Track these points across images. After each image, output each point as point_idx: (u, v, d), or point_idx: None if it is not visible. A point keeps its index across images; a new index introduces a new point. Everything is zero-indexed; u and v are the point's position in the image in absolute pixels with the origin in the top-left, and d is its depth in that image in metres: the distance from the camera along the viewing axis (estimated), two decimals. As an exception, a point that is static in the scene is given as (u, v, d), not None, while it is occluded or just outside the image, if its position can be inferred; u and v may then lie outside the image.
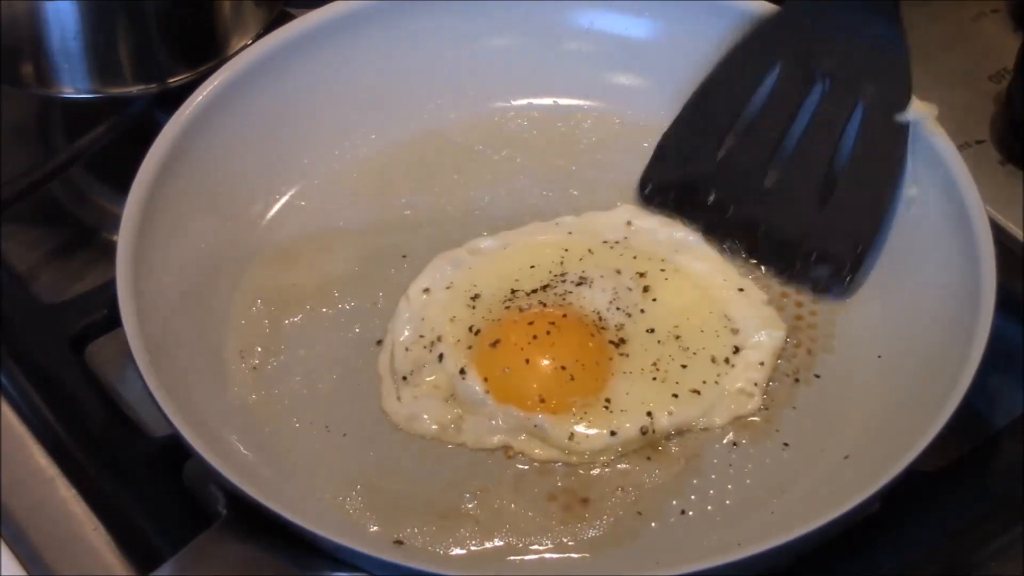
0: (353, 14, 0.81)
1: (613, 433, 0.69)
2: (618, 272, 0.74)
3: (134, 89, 0.84)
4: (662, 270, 0.75)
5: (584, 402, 0.69)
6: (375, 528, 0.67)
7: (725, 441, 0.70)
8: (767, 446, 0.70)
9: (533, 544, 0.66)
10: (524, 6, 0.83)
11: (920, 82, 0.76)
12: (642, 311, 0.73)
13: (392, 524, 0.67)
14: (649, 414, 0.69)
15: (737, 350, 0.72)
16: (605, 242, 0.77)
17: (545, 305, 0.72)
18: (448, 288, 0.74)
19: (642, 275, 0.74)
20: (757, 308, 0.74)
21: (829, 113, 0.76)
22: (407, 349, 0.72)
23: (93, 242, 0.87)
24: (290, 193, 0.80)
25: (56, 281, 0.85)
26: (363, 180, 0.81)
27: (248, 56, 0.79)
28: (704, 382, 0.71)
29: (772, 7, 0.79)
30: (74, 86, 0.83)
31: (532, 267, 0.75)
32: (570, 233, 0.77)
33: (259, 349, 0.73)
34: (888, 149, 0.74)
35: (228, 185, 0.77)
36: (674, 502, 0.68)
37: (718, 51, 0.80)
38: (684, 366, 0.71)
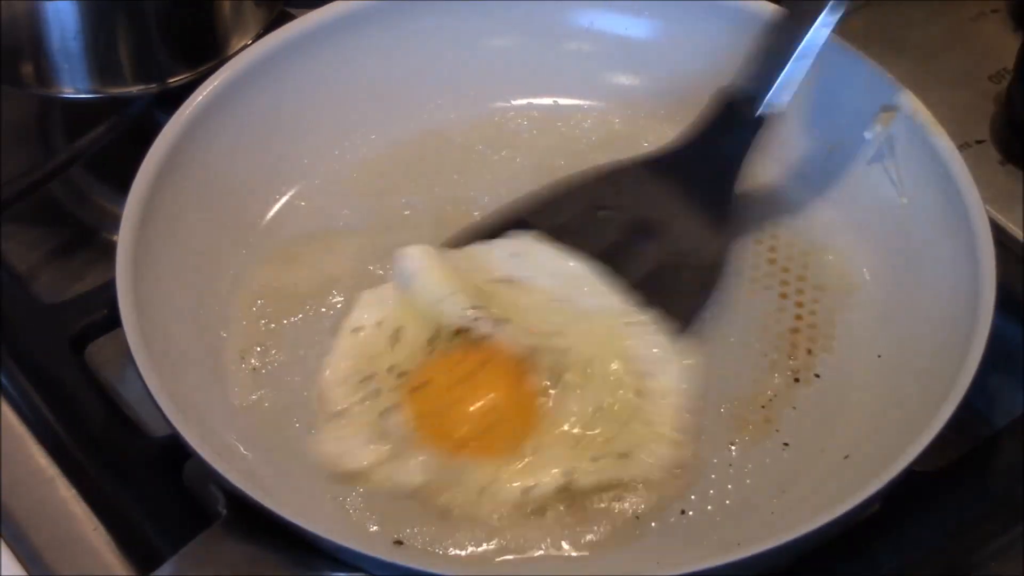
0: (353, 14, 0.81)
1: (529, 488, 0.67)
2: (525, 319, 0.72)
3: (134, 89, 0.84)
4: (563, 315, 0.72)
5: (507, 450, 0.67)
6: (375, 528, 0.67)
7: (724, 441, 0.70)
8: (767, 446, 0.70)
9: (532, 544, 0.66)
10: (524, 6, 0.83)
11: (920, 82, 0.76)
12: (562, 362, 0.70)
13: (392, 524, 0.67)
14: (569, 472, 0.67)
15: (650, 396, 0.70)
16: (496, 280, 0.73)
17: (473, 345, 0.70)
18: (378, 324, 0.72)
19: (548, 322, 0.72)
20: (660, 345, 0.72)
21: (642, 260, 0.75)
22: (339, 387, 0.70)
23: (93, 242, 0.87)
24: (290, 193, 0.80)
25: (56, 281, 0.85)
26: (363, 180, 0.81)
27: (248, 56, 0.79)
28: (629, 442, 0.68)
29: (771, 7, 0.79)
30: (74, 86, 0.83)
31: (444, 305, 0.71)
32: (460, 268, 0.73)
33: (259, 349, 0.73)
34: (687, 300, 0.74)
35: (228, 185, 0.77)
36: (675, 502, 0.68)
37: (716, 51, 0.80)
38: (610, 420, 0.69)
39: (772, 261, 0.78)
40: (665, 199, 0.75)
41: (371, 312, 0.73)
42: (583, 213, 0.75)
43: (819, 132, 0.79)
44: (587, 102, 0.84)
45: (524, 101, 0.85)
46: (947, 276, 0.71)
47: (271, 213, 0.79)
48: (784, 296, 0.76)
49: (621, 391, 0.70)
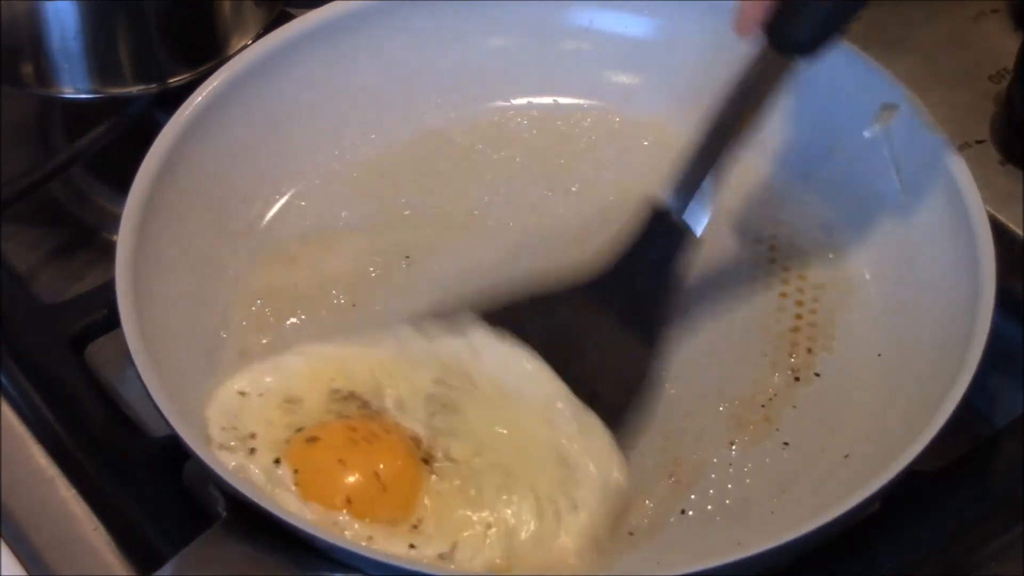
0: (353, 14, 0.81)
1: (411, 547, 0.64)
2: (445, 404, 0.69)
3: (134, 89, 0.84)
4: (496, 402, 0.69)
5: (392, 517, 0.65)
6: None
7: (724, 441, 0.70)
8: (767, 446, 0.70)
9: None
10: (523, 6, 0.83)
11: (920, 82, 0.76)
12: (474, 442, 0.67)
13: (391, 524, 0.67)
14: (454, 547, 0.64)
15: (565, 498, 0.66)
16: (441, 364, 0.70)
17: (369, 418, 0.68)
18: (262, 396, 0.69)
19: (472, 406, 0.69)
20: (596, 452, 0.68)
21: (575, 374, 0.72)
22: (222, 433, 0.67)
23: (93, 242, 0.87)
24: (290, 193, 0.80)
25: (56, 281, 0.85)
26: (363, 180, 0.81)
27: (248, 56, 0.79)
28: (523, 529, 0.65)
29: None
30: (74, 86, 0.83)
31: (356, 383, 0.69)
32: (405, 353, 0.71)
33: (259, 350, 0.73)
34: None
35: (228, 185, 0.77)
36: (675, 503, 0.68)
37: (716, 50, 0.80)
38: (507, 507, 0.65)
39: (772, 261, 0.78)
40: (595, 320, 0.72)
41: (257, 378, 0.69)
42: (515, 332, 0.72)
43: (819, 131, 0.79)
44: (587, 101, 0.85)
45: (524, 100, 0.85)
46: (947, 276, 0.71)
47: (271, 213, 0.79)
48: (784, 296, 0.76)
49: (527, 488, 0.66)
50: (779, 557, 0.62)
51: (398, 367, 0.70)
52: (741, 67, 0.71)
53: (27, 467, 0.70)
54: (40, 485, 0.70)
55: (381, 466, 0.66)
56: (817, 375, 0.73)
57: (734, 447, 0.70)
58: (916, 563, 0.67)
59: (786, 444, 0.70)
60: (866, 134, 0.77)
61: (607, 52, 0.84)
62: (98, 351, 0.75)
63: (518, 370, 0.70)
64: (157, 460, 0.71)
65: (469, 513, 0.65)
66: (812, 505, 0.66)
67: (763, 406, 0.71)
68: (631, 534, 0.67)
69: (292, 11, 0.87)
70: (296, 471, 0.65)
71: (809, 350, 0.74)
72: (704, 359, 0.73)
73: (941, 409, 0.64)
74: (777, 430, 0.71)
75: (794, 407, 0.71)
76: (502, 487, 0.66)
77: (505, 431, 0.68)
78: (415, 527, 0.65)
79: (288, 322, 0.74)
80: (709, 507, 0.68)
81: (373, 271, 0.77)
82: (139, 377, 0.65)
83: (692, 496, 0.68)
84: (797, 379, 0.73)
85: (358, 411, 0.68)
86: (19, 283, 0.83)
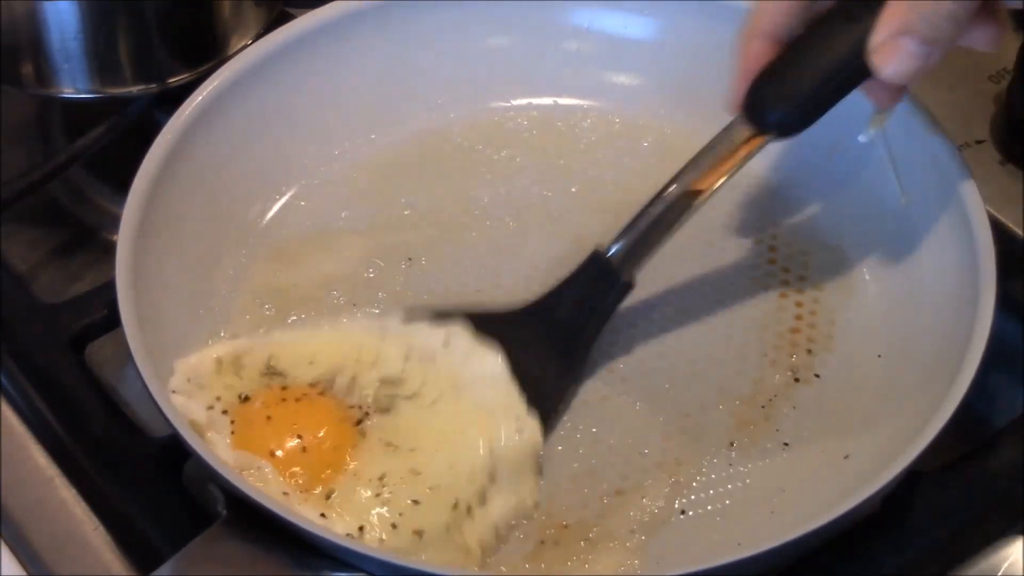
0: (353, 14, 0.81)
1: (322, 516, 0.65)
2: (394, 383, 0.69)
3: (134, 89, 0.84)
4: (441, 394, 0.69)
5: (310, 480, 0.66)
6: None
7: (724, 441, 0.70)
8: (767, 446, 0.70)
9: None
10: (523, 6, 0.83)
11: (920, 82, 0.75)
12: (409, 432, 0.68)
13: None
14: (361, 529, 0.65)
15: (478, 498, 0.66)
16: (409, 356, 0.71)
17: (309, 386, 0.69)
18: (234, 361, 0.70)
19: (417, 394, 0.69)
20: (523, 457, 0.68)
21: None
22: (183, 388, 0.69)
23: (93, 242, 0.87)
24: (290, 193, 0.80)
25: (56, 281, 0.85)
26: (363, 180, 0.81)
27: (248, 56, 0.79)
28: (431, 526, 0.65)
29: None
30: (74, 86, 0.83)
31: (317, 360, 0.71)
32: (382, 339, 0.71)
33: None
34: None
35: (228, 185, 0.78)
36: (675, 503, 0.68)
37: (716, 51, 0.80)
38: (416, 501, 0.66)
39: (772, 261, 0.78)
40: (525, 346, 0.72)
41: (232, 348, 0.71)
42: None
43: (819, 132, 0.78)
44: (587, 102, 0.85)
45: (524, 101, 0.85)
46: (947, 276, 0.71)
47: (271, 213, 0.79)
48: (784, 296, 0.76)
49: (447, 484, 0.66)
50: (779, 557, 0.62)
51: (369, 346, 0.71)
52: (713, 136, 0.70)
53: (27, 467, 0.70)
54: (40, 485, 0.70)
55: (305, 423, 0.67)
56: (817, 375, 0.73)
57: (734, 447, 0.70)
58: (916, 563, 0.67)
59: (786, 444, 0.70)
60: (861, 138, 0.76)
61: (607, 52, 0.84)
62: (98, 351, 0.75)
63: (480, 370, 0.70)
64: (157, 460, 0.71)
65: (381, 510, 0.65)
66: (812, 505, 0.66)
67: (763, 406, 0.71)
68: (632, 533, 0.67)
69: (292, 11, 0.87)
70: (232, 422, 0.67)
71: (809, 350, 0.74)
72: (704, 359, 0.73)
73: (941, 409, 0.64)
74: (777, 430, 0.71)
75: (794, 407, 0.71)
76: (419, 485, 0.66)
77: (442, 427, 0.68)
78: (328, 497, 0.65)
79: (288, 322, 0.74)
80: (709, 507, 0.68)
81: (373, 271, 0.77)
82: (139, 377, 0.65)
83: (692, 496, 0.68)
84: (797, 379, 0.73)
85: (301, 383, 0.69)
86: (19, 283, 0.83)
